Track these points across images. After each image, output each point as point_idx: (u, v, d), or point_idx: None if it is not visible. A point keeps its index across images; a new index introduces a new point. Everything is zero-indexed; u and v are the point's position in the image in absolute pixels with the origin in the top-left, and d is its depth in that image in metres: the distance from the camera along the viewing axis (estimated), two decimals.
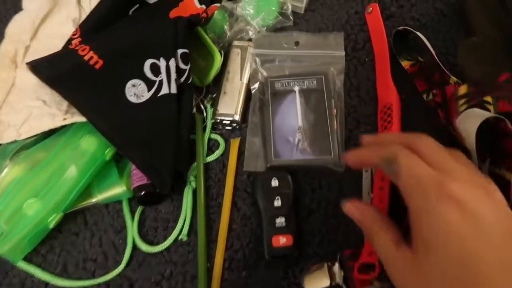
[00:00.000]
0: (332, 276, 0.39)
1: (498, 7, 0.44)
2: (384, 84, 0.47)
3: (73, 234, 0.45)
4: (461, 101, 0.38)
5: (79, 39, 0.47)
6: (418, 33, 0.46)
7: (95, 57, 0.41)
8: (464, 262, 0.21)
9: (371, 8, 0.51)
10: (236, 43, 0.52)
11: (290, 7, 0.53)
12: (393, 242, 0.27)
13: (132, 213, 0.45)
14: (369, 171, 0.43)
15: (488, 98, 0.36)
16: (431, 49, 0.45)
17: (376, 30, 0.49)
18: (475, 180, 0.24)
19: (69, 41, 0.48)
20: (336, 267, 0.39)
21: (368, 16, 0.52)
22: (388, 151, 0.29)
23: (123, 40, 0.43)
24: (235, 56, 0.51)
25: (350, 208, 0.33)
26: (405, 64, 0.47)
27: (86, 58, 0.41)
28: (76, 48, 0.42)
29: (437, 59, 0.44)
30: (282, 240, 0.42)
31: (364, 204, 0.33)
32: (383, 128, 0.46)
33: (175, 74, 0.44)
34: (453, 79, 0.42)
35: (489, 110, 0.36)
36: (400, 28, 0.47)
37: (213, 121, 0.49)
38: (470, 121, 0.35)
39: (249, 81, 0.50)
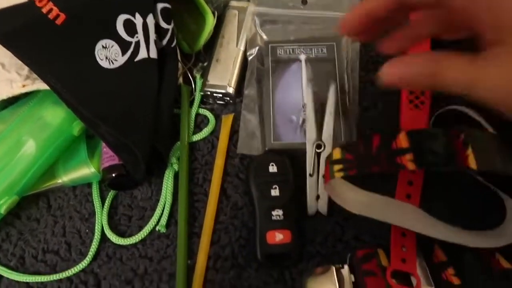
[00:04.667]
0: (340, 282, 0.33)
1: None
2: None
3: (33, 221, 0.39)
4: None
5: None
6: None
7: (56, 10, 0.34)
8: None
9: None
10: (233, 3, 0.45)
11: None
12: (469, 62, 0.21)
13: (103, 198, 0.39)
14: (314, 175, 0.36)
15: None
16: None
17: None
18: None
19: None
20: (346, 270, 0.34)
21: None
22: None
23: None
24: (232, 18, 0.44)
25: (392, 69, 0.23)
26: None
27: (44, 10, 0.34)
28: None
29: None
30: (278, 237, 0.35)
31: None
32: (412, 106, 0.38)
33: (155, 35, 0.37)
34: None
35: None
36: None
37: (202, 93, 0.41)
38: None
39: (246, 48, 0.43)
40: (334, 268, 0.34)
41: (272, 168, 0.37)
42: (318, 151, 0.37)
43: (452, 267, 0.33)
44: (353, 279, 0.33)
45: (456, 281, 0.32)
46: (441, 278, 0.33)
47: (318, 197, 0.37)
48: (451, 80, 0.21)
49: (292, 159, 0.38)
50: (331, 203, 0.36)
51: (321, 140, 0.37)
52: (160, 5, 0.36)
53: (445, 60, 0.22)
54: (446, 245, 0.35)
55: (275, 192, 0.37)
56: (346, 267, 0.34)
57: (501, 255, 0.33)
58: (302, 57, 0.41)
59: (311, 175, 0.37)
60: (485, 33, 0.21)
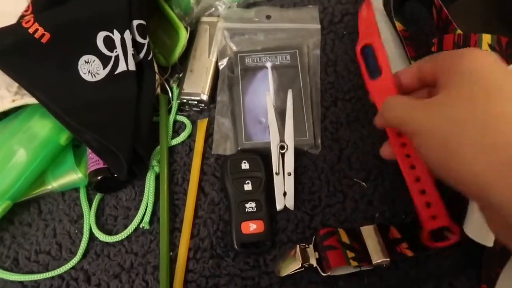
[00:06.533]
0: (305, 258, 0.37)
1: None
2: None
3: (25, 225, 0.41)
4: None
5: (32, 15, 0.43)
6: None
7: (41, 30, 0.38)
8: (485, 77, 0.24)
9: None
10: (204, 19, 0.49)
11: None
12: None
13: (91, 201, 0.42)
14: (280, 173, 0.41)
15: None
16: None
17: None
18: None
19: (21, 18, 0.44)
20: (310, 249, 0.37)
21: None
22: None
23: (71, 11, 0.39)
24: (203, 32, 0.48)
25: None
26: (399, 26, 0.44)
27: (30, 31, 0.38)
28: (20, 21, 0.38)
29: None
30: (252, 226, 0.39)
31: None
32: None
33: (132, 49, 0.40)
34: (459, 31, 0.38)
35: None
36: None
37: (179, 101, 0.45)
38: None
39: (217, 58, 0.47)
40: (299, 247, 0.37)
41: (245, 165, 0.41)
42: (282, 151, 0.41)
43: (406, 242, 0.37)
44: (317, 255, 0.37)
45: (409, 253, 0.36)
46: (395, 251, 0.36)
47: (285, 193, 0.40)
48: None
49: (264, 157, 0.42)
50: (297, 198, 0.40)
51: (284, 141, 0.42)
52: (135, 22, 0.40)
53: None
54: (401, 226, 0.39)
55: (247, 186, 0.40)
56: (311, 246, 0.37)
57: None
58: (268, 64, 0.45)
59: (277, 174, 0.41)
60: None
